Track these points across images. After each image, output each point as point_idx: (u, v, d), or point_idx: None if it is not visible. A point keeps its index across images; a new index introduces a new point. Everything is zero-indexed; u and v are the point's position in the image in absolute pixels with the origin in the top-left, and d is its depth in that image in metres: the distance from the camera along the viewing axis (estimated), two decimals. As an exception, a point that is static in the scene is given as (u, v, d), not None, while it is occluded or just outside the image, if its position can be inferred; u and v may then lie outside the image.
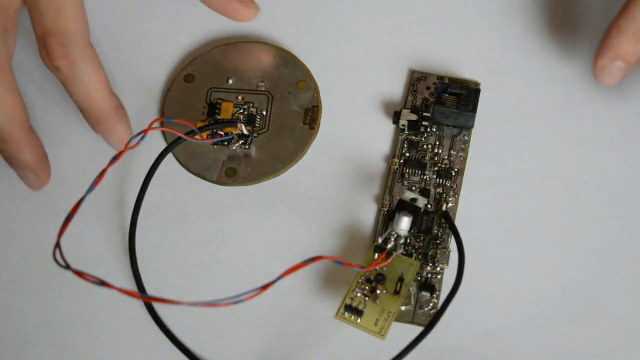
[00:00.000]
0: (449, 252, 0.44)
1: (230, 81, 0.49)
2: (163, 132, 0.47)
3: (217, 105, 0.48)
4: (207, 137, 0.47)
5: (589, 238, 0.44)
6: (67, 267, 0.37)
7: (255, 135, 0.47)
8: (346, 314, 0.41)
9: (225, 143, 0.47)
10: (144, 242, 0.45)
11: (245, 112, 0.48)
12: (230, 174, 0.46)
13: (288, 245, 0.45)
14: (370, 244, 0.44)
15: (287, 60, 0.50)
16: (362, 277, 0.42)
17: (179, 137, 0.45)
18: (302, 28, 0.51)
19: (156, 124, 0.45)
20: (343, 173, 0.46)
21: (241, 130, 0.47)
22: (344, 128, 0.48)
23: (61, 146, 0.47)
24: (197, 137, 0.46)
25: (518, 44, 0.44)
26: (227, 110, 0.48)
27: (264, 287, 0.37)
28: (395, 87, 0.49)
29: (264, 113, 0.48)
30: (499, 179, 0.46)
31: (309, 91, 0.49)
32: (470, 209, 0.45)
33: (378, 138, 0.47)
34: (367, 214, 0.45)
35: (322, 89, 0.49)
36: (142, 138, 0.43)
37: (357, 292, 0.41)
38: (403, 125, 0.47)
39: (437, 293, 0.43)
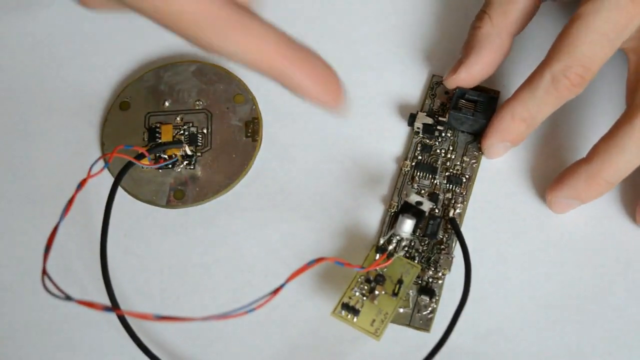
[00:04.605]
0: (452, 258, 0.44)
1: (167, 103, 0.49)
2: (106, 164, 0.44)
3: (157, 129, 0.48)
4: (152, 163, 0.47)
5: (590, 238, 0.44)
6: (68, 297, 0.36)
7: (199, 154, 0.47)
8: (343, 312, 0.41)
9: (170, 166, 0.47)
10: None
11: (186, 133, 0.48)
12: (179, 197, 0.46)
13: (290, 246, 0.45)
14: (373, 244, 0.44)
15: (221, 76, 0.50)
16: (362, 277, 0.42)
17: (130, 162, 0.45)
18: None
19: (120, 150, 0.44)
20: (352, 173, 0.46)
21: (185, 151, 0.47)
22: (357, 128, 0.48)
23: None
24: (144, 161, 0.46)
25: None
26: (167, 133, 0.48)
27: (274, 292, 0.37)
28: (413, 90, 0.49)
29: (205, 131, 0.48)
30: (507, 186, 0.46)
31: (247, 104, 0.49)
32: (476, 213, 0.45)
33: (391, 139, 0.47)
34: (374, 214, 0.45)
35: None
36: (106, 165, 0.43)
37: (355, 292, 0.41)
38: (418, 128, 0.47)
39: (437, 298, 0.43)
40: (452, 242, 0.44)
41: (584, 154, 0.44)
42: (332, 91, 0.36)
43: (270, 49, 0.35)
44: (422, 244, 0.44)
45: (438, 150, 0.47)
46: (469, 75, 0.46)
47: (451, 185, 0.46)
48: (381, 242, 0.43)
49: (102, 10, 0.38)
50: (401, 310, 0.43)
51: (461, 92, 0.47)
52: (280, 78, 0.36)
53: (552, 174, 0.45)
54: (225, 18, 0.35)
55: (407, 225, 0.42)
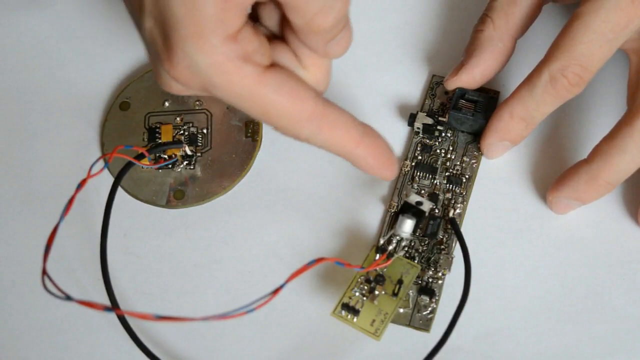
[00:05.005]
0: (452, 258, 0.44)
1: (167, 104, 0.49)
2: (106, 164, 0.44)
3: (157, 129, 0.48)
4: (151, 163, 0.47)
5: (591, 238, 0.44)
6: (68, 298, 0.36)
7: (199, 154, 0.47)
8: (343, 312, 0.41)
9: (170, 166, 0.47)
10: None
11: (186, 133, 0.48)
12: (178, 197, 0.47)
13: (290, 246, 0.45)
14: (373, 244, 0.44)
15: None
16: (362, 277, 0.42)
17: (130, 162, 0.45)
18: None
19: (120, 150, 0.44)
20: (352, 173, 0.46)
21: (185, 152, 0.47)
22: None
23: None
24: (144, 161, 0.46)
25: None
26: (167, 133, 0.48)
27: (274, 292, 0.37)
28: (413, 90, 0.49)
29: (205, 131, 0.48)
30: (507, 186, 0.46)
31: None
32: (476, 214, 0.45)
33: (391, 139, 0.47)
34: (374, 214, 0.45)
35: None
36: (106, 165, 0.43)
37: (355, 292, 0.41)
38: (418, 128, 0.47)
39: (437, 298, 0.43)
40: (452, 242, 0.44)
41: (585, 154, 0.44)
42: (390, 168, 0.40)
43: (351, 138, 0.38)
44: (422, 244, 0.44)
45: (438, 151, 0.47)
46: (470, 77, 0.46)
47: (451, 186, 0.46)
48: (381, 242, 0.43)
49: (180, 94, 0.39)
50: (401, 310, 0.42)
51: (461, 92, 0.47)
52: (352, 159, 0.39)
53: (553, 174, 0.45)
54: (317, 114, 0.37)
55: (407, 226, 0.42)
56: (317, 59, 0.38)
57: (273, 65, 0.37)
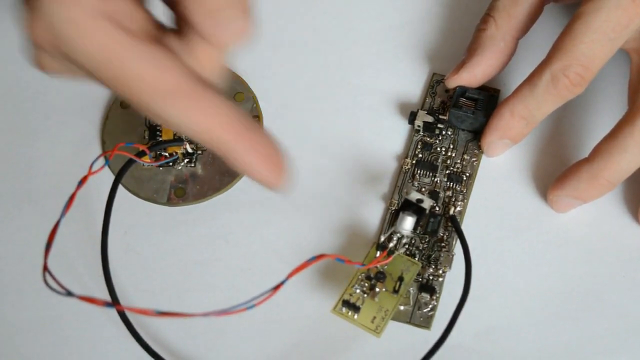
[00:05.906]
0: (453, 256, 0.44)
1: None
2: (107, 161, 0.43)
3: (158, 127, 0.48)
4: (152, 160, 0.47)
5: (591, 236, 0.45)
6: (69, 293, 0.36)
7: (199, 152, 0.47)
8: (343, 309, 0.41)
9: (171, 164, 0.47)
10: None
11: None
12: (179, 194, 0.47)
13: (290, 243, 0.45)
14: (373, 242, 0.44)
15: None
16: (362, 274, 0.42)
17: (131, 160, 0.45)
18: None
19: (121, 147, 0.43)
20: (353, 171, 0.47)
21: (185, 149, 0.47)
22: (358, 126, 0.48)
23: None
24: (145, 159, 0.46)
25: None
26: (168, 131, 0.47)
27: (274, 288, 0.37)
28: (413, 88, 0.49)
29: None
30: (508, 184, 0.46)
31: (247, 102, 0.49)
32: (476, 211, 0.45)
33: (391, 137, 0.47)
34: (374, 211, 0.45)
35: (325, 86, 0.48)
36: (107, 162, 0.43)
37: (356, 289, 0.41)
38: (418, 126, 0.47)
39: (437, 295, 0.43)
40: (453, 240, 0.44)
41: (586, 153, 0.44)
42: (277, 172, 0.35)
43: (229, 128, 0.33)
44: (423, 241, 0.44)
45: (438, 148, 0.47)
46: (472, 76, 0.46)
47: (452, 183, 0.46)
48: (382, 239, 0.43)
49: (57, 75, 0.36)
50: (402, 307, 0.43)
51: (461, 91, 0.47)
52: (229, 154, 0.34)
53: (554, 172, 0.45)
54: (184, 90, 0.32)
55: (407, 223, 0.42)
56: (207, 49, 0.34)
57: (149, 39, 0.32)
